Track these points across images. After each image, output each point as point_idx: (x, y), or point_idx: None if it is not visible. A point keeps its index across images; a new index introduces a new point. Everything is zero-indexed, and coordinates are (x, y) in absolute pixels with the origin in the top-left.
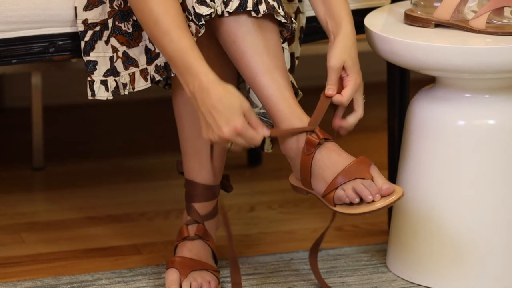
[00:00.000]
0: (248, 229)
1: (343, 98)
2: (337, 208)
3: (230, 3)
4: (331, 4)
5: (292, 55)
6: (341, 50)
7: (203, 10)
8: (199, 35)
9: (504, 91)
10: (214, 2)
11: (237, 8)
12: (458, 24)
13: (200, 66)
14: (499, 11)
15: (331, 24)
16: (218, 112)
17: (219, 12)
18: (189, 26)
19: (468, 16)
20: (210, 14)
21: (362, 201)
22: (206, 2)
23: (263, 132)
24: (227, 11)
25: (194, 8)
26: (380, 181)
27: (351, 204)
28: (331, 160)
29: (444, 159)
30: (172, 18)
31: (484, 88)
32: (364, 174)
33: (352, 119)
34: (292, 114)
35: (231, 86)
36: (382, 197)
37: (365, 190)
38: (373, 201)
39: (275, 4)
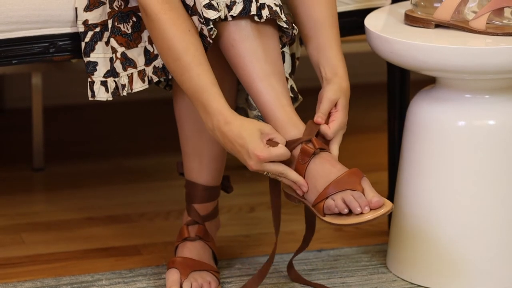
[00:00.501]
0: (248, 229)
1: (329, 130)
2: (326, 218)
3: (234, 7)
4: (327, 53)
5: (292, 55)
6: (338, 88)
7: (211, 14)
8: (213, 37)
9: (504, 92)
10: (218, 7)
11: (240, 12)
12: (458, 25)
13: (217, 105)
14: (499, 11)
15: (325, 71)
16: (240, 147)
17: (223, 16)
18: (202, 29)
19: (468, 17)
20: (219, 18)
21: (351, 212)
22: (213, 6)
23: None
24: (231, 15)
25: (202, 12)
26: (371, 194)
27: (340, 214)
28: (324, 170)
29: (444, 159)
30: (192, 56)
31: (484, 88)
32: (355, 186)
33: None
34: (288, 122)
35: (247, 118)
36: (371, 209)
37: (354, 202)
38: (361, 213)
39: (277, 9)
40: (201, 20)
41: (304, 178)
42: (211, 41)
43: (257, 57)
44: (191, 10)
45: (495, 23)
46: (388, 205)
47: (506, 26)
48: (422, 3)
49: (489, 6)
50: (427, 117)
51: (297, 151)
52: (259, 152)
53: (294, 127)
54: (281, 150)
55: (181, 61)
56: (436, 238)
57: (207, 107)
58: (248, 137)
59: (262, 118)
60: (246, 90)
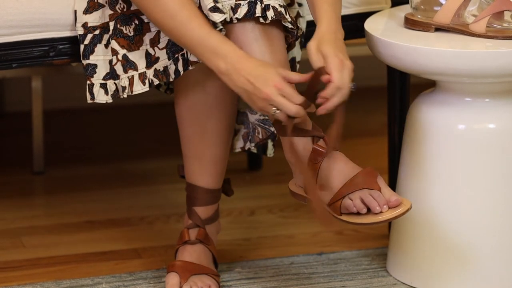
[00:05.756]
0: (248, 233)
1: (334, 80)
2: (343, 217)
3: (239, 9)
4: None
5: (293, 59)
6: (319, 36)
7: (216, 18)
8: None
9: (504, 95)
10: (224, 8)
11: (245, 15)
12: (458, 28)
13: (228, 45)
14: (499, 15)
15: (314, 15)
16: (255, 77)
17: (228, 19)
18: None
19: (468, 20)
20: (224, 20)
21: (369, 211)
22: (218, 8)
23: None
24: (236, 18)
25: (208, 16)
26: (388, 192)
27: (357, 213)
28: (338, 169)
29: (444, 163)
30: (190, 10)
31: (484, 92)
32: (371, 185)
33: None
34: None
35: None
36: (389, 208)
37: (373, 201)
38: (380, 212)
39: (282, 10)
40: None
41: (317, 177)
42: None
43: (265, 59)
44: None
45: (495, 27)
46: (407, 203)
47: (506, 29)
48: (422, 7)
49: (489, 10)
50: (427, 121)
51: (308, 151)
52: (277, 82)
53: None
54: (293, 92)
55: (179, 16)
56: (437, 242)
57: (218, 49)
58: (266, 69)
59: (264, 121)
60: None
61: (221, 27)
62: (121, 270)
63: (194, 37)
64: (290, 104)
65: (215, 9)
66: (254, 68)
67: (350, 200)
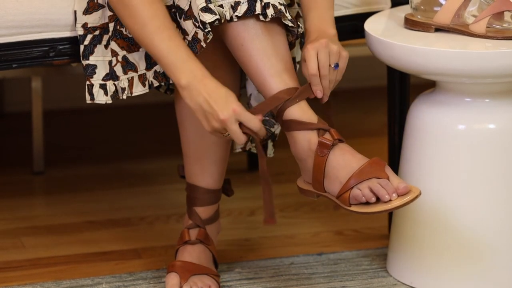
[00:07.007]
0: (248, 233)
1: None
2: (353, 208)
3: (239, 7)
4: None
5: (293, 59)
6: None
7: (207, 18)
8: (207, 41)
9: (504, 96)
10: (222, 8)
11: (245, 12)
12: (458, 29)
13: (195, 61)
14: (499, 15)
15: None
16: (215, 99)
17: (228, 17)
18: (197, 33)
19: (468, 21)
20: (214, 21)
21: (378, 200)
22: (210, 9)
23: (259, 117)
24: (236, 15)
25: (199, 16)
26: (396, 180)
27: (367, 203)
28: (345, 160)
29: (444, 163)
30: (161, 20)
31: (484, 92)
32: (380, 174)
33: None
34: (303, 117)
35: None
36: (398, 196)
37: (382, 190)
38: (390, 200)
39: (282, 8)
40: (197, 24)
41: (324, 170)
42: (204, 46)
43: (268, 55)
44: (185, 15)
45: (495, 27)
46: (416, 190)
47: (506, 30)
48: (422, 7)
49: (489, 10)
50: (427, 121)
51: (314, 144)
52: (236, 106)
53: (309, 121)
54: (252, 117)
55: (149, 25)
56: (437, 242)
57: (187, 63)
58: (226, 93)
59: (264, 122)
60: (258, 88)
61: (209, 29)
62: (121, 270)
63: (163, 48)
64: (242, 135)
65: (206, 9)
66: (215, 89)
67: (359, 190)
